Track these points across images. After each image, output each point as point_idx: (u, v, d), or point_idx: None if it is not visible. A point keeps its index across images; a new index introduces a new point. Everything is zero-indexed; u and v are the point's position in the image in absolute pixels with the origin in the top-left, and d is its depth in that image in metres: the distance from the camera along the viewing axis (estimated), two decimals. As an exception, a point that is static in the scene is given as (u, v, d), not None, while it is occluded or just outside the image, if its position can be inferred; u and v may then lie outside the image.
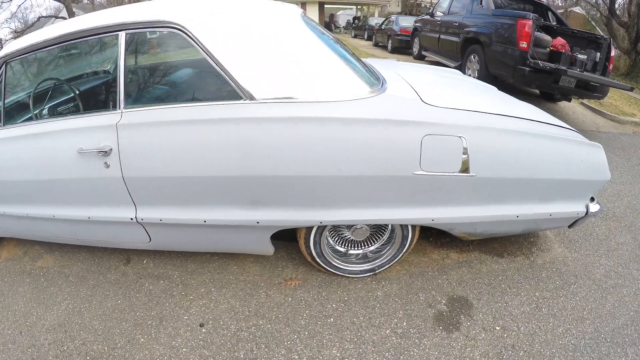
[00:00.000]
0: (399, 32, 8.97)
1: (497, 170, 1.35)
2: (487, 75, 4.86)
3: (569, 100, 5.15)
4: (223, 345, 1.42)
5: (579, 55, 4.38)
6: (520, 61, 4.17)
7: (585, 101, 5.10)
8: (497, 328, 1.49)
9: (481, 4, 5.21)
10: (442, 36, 6.16)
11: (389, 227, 1.63)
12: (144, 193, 1.39)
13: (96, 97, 1.70)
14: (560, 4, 15.58)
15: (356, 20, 18.40)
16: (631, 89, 4.35)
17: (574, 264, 1.88)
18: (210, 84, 1.37)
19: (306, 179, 1.28)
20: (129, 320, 1.54)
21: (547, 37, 4.52)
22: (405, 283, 1.71)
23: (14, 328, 1.55)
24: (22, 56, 1.50)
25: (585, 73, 4.02)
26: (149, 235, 1.56)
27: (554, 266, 1.87)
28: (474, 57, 5.15)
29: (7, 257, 2.00)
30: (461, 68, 5.48)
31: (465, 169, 1.31)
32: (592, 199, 1.63)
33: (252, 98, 1.26)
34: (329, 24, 23.98)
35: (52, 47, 1.44)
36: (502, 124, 1.40)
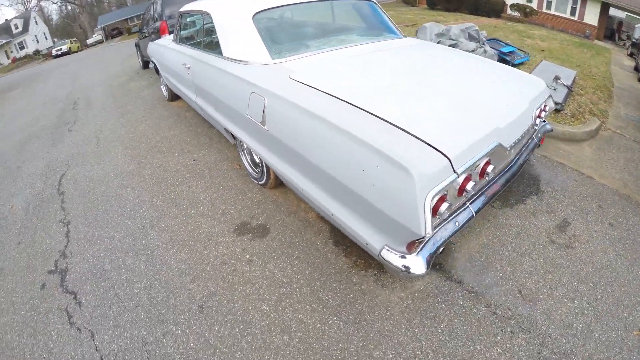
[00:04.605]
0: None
1: (283, 135, 1.60)
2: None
3: None
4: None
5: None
6: None
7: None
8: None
9: None
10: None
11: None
12: (197, 87, 2.65)
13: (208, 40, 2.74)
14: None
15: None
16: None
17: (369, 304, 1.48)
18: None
19: (219, 99, 2.23)
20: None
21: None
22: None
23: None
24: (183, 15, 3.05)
25: None
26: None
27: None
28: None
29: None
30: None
31: (262, 121, 1.74)
32: (437, 254, 1.25)
33: (221, 54, 2.23)
34: (613, 32, 17.91)
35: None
36: (316, 102, 1.47)
